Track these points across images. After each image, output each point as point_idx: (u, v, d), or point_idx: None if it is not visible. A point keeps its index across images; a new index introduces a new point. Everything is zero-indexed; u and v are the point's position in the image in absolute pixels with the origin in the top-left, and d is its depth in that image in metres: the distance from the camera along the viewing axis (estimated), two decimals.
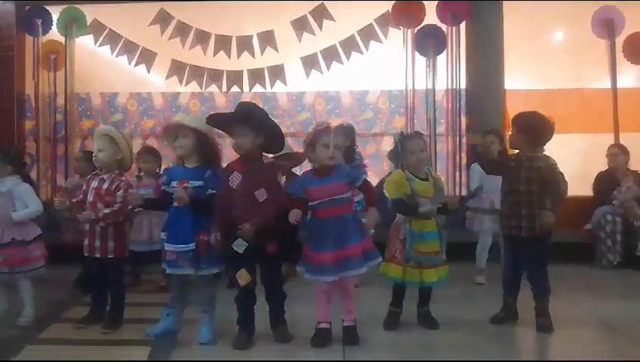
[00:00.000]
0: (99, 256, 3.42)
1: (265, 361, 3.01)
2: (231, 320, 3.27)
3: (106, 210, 3.37)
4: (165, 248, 3.20)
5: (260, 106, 3.42)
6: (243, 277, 3.12)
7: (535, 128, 3.38)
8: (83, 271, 4.50)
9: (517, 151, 3.53)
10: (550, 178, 3.35)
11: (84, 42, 6.55)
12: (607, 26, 6.21)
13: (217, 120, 3.35)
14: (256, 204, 3.08)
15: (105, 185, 3.43)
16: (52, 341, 3.33)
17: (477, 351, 3.09)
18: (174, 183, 3.21)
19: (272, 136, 3.23)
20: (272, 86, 6.48)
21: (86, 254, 3.48)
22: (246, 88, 6.50)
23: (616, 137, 6.08)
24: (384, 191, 3.42)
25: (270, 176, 3.18)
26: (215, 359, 3.01)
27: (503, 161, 3.62)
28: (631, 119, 6.18)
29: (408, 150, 3.33)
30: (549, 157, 3.42)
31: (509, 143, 3.61)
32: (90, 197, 3.44)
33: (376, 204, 3.26)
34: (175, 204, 3.20)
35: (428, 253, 3.30)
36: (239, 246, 3.10)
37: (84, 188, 3.56)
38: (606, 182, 5.54)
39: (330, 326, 3.20)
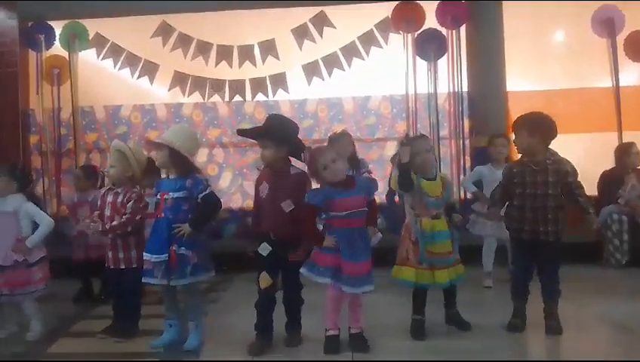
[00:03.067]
0: (123, 266, 3.48)
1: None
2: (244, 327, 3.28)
3: (115, 222, 3.44)
4: (143, 257, 3.27)
5: (288, 119, 3.52)
6: (264, 280, 3.19)
7: (549, 129, 3.34)
8: (84, 286, 4.54)
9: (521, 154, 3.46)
10: (578, 182, 3.33)
11: (87, 56, 6.62)
12: (607, 24, 6.22)
13: (244, 133, 3.59)
14: (282, 214, 3.16)
15: (119, 199, 3.52)
16: (61, 355, 3.34)
17: (488, 355, 3.07)
18: (159, 196, 3.30)
19: (295, 150, 3.31)
20: (274, 94, 6.51)
21: (111, 266, 3.52)
22: (248, 97, 6.54)
23: (620, 136, 6.06)
24: (391, 186, 3.42)
25: (297, 186, 3.21)
26: None
27: (513, 166, 3.46)
28: (634, 117, 6.17)
29: (413, 151, 3.31)
30: (568, 160, 3.39)
31: (519, 146, 3.42)
32: (107, 212, 3.52)
33: (375, 221, 3.30)
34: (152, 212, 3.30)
35: (440, 253, 3.27)
36: (264, 249, 3.19)
37: (99, 203, 3.61)
38: (611, 182, 5.51)
39: (339, 333, 3.21)
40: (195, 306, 3.36)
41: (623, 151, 5.56)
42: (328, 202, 3.11)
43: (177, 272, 3.18)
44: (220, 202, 3.34)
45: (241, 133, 3.61)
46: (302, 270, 3.16)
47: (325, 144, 3.31)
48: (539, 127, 3.34)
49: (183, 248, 3.16)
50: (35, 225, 3.61)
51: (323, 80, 6.48)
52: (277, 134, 3.25)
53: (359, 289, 3.11)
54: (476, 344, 3.25)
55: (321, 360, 3.03)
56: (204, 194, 3.22)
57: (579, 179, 3.36)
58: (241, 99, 6.57)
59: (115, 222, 3.44)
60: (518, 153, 3.46)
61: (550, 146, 3.40)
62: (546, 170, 3.32)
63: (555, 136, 3.37)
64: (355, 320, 3.22)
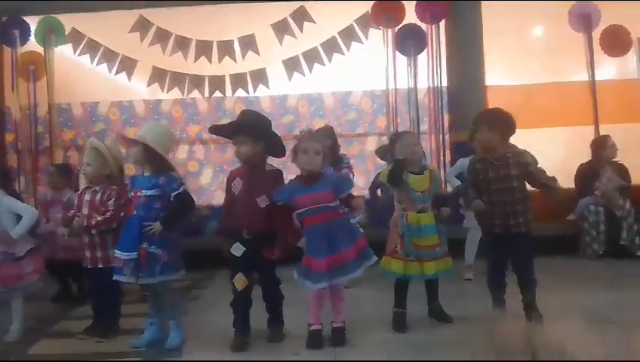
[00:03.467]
0: (101, 265, 3.44)
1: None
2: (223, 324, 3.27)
3: (99, 218, 3.41)
4: (115, 254, 3.25)
5: (262, 114, 3.51)
6: (240, 281, 3.18)
7: (509, 124, 3.42)
8: (62, 286, 4.47)
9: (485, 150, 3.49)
10: (539, 169, 3.39)
11: (63, 52, 6.50)
12: (583, 19, 6.30)
13: (217, 130, 3.49)
14: (257, 210, 3.15)
15: (98, 197, 3.48)
16: (41, 356, 3.29)
17: (469, 347, 3.10)
18: (132, 193, 3.27)
19: (272, 144, 3.30)
20: (254, 90, 6.48)
21: (89, 266, 3.48)
22: (229, 93, 6.49)
23: (597, 129, 6.17)
24: (380, 180, 3.50)
25: (272, 183, 3.22)
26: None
27: (475, 163, 3.50)
28: (610, 111, 6.28)
29: (402, 143, 3.38)
30: (527, 151, 3.47)
31: (480, 142, 3.48)
32: (85, 210, 3.48)
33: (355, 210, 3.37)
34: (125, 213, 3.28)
35: (426, 246, 3.33)
36: (237, 249, 3.17)
37: (76, 202, 3.57)
38: (588, 174, 5.61)
39: (322, 328, 3.22)
40: (173, 305, 3.34)
41: (599, 144, 5.67)
42: (291, 199, 3.14)
43: (146, 271, 3.15)
44: (193, 201, 3.33)
45: (215, 130, 3.51)
46: (296, 277, 3.15)
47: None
48: (498, 122, 3.41)
49: (153, 246, 3.13)
50: (18, 221, 3.55)
51: (304, 75, 6.46)
52: (253, 129, 3.24)
53: (315, 286, 3.10)
54: (457, 336, 3.27)
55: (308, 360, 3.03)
56: (177, 192, 3.19)
57: (539, 166, 3.42)
58: (221, 94, 6.52)
59: (99, 218, 3.39)
60: (479, 149, 3.52)
61: (528, 139, 3.46)
62: (507, 164, 3.38)
63: (514, 131, 3.43)
64: (335, 313, 3.23)
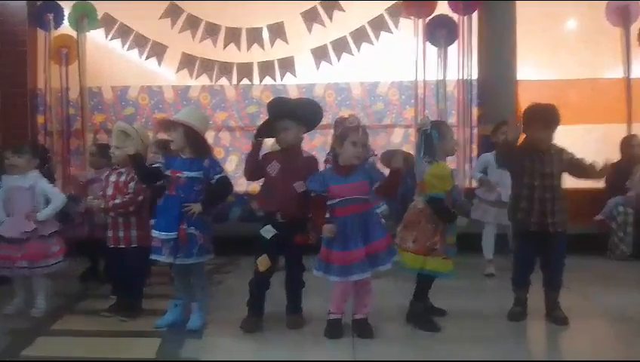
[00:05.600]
0: (123, 246, 3.52)
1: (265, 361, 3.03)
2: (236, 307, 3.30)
3: (117, 201, 3.49)
4: (152, 234, 3.28)
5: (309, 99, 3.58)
6: (264, 262, 3.20)
7: (558, 121, 3.34)
8: (92, 265, 4.57)
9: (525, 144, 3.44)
10: (579, 161, 3.34)
11: (96, 36, 6.60)
12: (622, 13, 6.12)
13: (263, 126, 3.38)
14: (293, 195, 3.17)
15: (122, 178, 3.56)
16: (64, 332, 3.37)
17: (491, 343, 3.07)
18: (168, 172, 3.27)
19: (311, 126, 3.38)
20: (282, 78, 6.47)
21: (111, 245, 3.57)
22: (256, 80, 6.51)
23: (629, 127, 6.00)
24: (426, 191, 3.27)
25: (309, 169, 3.23)
26: (226, 347, 3.04)
27: (522, 155, 3.39)
28: None
29: (448, 135, 3.28)
30: (565, 149, 3.40)
31: (532, 138, 3.35)
32: (109, 191, 3.57)
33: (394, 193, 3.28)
34: (166, 192, 3.29)
35: (451, 244, 3.29)
36: (267, 232, 3.20)
37: (103, 183, 3.65)
38: (617, 173, 5.46)
39: (342, 317, 3.21)
40: (201, 287, 3.38)
41: (626, 143, 5.54)
42: (325, 188, 3.11)
43: (185, 251, 3.19)
44: (232, 186, 3.36)
45: (260, 128, 3.36)
46: (331, 278, 3.10)
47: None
48: (554, 119, 3.33)
49: (192, 227, 3.17)
50: (48, 203, 3.68)
51: (331, 64, 6.43)
52: (303, 116, 3.27)
53: (345, 279, 3.08)
54: (477, 332, 3.25)
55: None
56: (220, 176, 3.24)
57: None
58: (248, 82, 6.54)
59: (117, 201, 3.48)
60: (527, 143, 3.42)
61: (559, 136, 3.40)
62: (552, 160, 3.32)
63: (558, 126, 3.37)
64: (361, 306, 3.21)
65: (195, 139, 3.25)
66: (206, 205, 3.20)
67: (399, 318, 3.39)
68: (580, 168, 3.34)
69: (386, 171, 3.40)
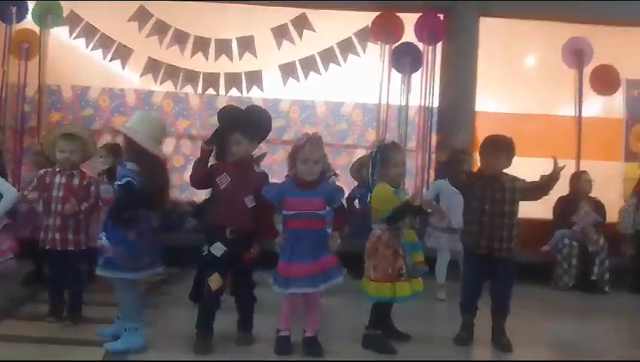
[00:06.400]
0: (72, 248, 3.46)
1: None
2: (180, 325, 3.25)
3: (86, 204, 3.48)
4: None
5: (264, 112, 3.48)
6: (215, 281, 3.13)
7: (511, 150, 3.49)
8: (36, 268, 4.41)
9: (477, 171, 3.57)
10: (532, 184, 3.46)
11: (59, 33, 6.44)
12: (576, 56, 6.43)
13: (215, 134, 3.30)
14: (244, 210, 3.13)
15: (76, 181, 3.49)
16: (5, 337, 3.24)
17: None
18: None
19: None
20: (248, 91, 6.48)
21: (58, 248, 3.46)
22: (222, 91, 6.49)
23: (578, 163, 6.28)
24: (370, 205, 3.36)
25: (259, 184, 3.19)
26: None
27: (475, 181, 3.55)
28: (592, 147, 6.40)
29: (391, 162, 3.30)
30: (515, 176, 3.53)
31: (484, 165, 3.51)
32: (59, 193, 3.46)
33: (341, 228, 3.31)
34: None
35: (419, 262, 3.34)
36: (217, 249, 3.12)
37: (37, 184, 3.52)
38: (565, 207, 5.71)
39: (290, 334, 3.21)
40: (125, 305, 3.14)
41: (575, 178, 5.79)
42: (281, 199, 3.12)
43: (99, 261, 3.07)
44: (134, 192, 3.00)
45: (213, 135, 3.30)
46: (277, 289, 3.10)
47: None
48: (509, 148, 3.49)
49: (104, 238, 3.05)
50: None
51: (298, 81, 6.50)
52: (251, 129, 3.23)
53: (290, 290, 3.09)
54: (424, 355, 3.31)
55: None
56: (121, 182, 3.03)
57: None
58: (214, 92, 6.52)
59: (86, 204, 3.46)
60: (484, 171, 3.54)
61: (509, 168, 3.53)
62: (504, 188, 3.44)
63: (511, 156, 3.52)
64: (310, 323, 3.23)
65: (130, 147, 3.10)
66: (114, 213, 3.05)
67: (352, 338, 3.41)
68: (534, 188, 3.47)
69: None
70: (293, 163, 3.16)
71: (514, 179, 3.50)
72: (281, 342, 3.18)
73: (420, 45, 6.37)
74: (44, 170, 3.60)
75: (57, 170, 3.53)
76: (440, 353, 3.37)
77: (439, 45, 6.39)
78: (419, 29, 6.31)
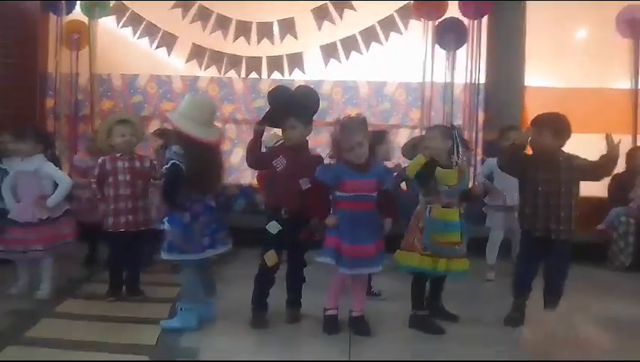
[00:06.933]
0: (144, 228, 3.71)
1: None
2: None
3: (154, 181, 3.73)
4: None
5: (314, 94, 3.48)
6: (271, 258, 3.22)
7: (569, 132, 3.37)
8: (92, 250, 4.62)
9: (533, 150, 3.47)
10: (591, 163, 3.35)
11: (107, 23, 6.62)
12: (631, 25, 6.12)
13: (267, 117, 3.34)
14: (299, 191, 3.19)
15: (137, 163, 3.72)
16: (66, 315, 3.42)
17: (488, 347, 3.10)
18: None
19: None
20: (290, 73, 6.50)
21: (132, 230, 3.67)
22: (264, 75, 6.54)
23: (634, 139, 6.02)
24: (406, 173, 3.47)
25: (314, 167, 3.22)
26: (229, 339, 3.08)
27: (527, 161, 3.43)
28: None
29: (432, 137, 3.38)
30: (574, 154, 3.41)
31: (535, 144, 3.40)
32: (125, 177, 3.66)
33: (395, 214, 3.31)
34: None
35: (448, 243, 3.26)
36: (273, 227, 3.22)
37: (99, 170, 3.69)
38: (621, 184, 5.49)
39: (338, 314, 3.25)
40: (183, 287, 3.29)
41: (631, 155, 5.55)
42: (337, 181, 3.13)
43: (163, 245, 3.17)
44: (179, 170, 3.04)
45: (264, 118, 3.35)
46: (342, 270, 3.12)
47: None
48: (562, 127, 3.36)
49: (165, 223, 3.15)
50: (56, 185, 3.74)
51: (340, 62, 6.46)
52: (306, 114, 3.30)
53: (355, 271, 3.13)
54: (474, 335, 3.28)
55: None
56: (166, 166, 3.10)
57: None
58: (256, 76, 6.57)
59: (152, 183, 3.71)
60: (534, 150, 3.44)
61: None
62: (559, 168, 3.33)
63: (569, 136, 3.40)
64: (357, 302, 3.25)
65: (176, 131, 3.17)
66: (164, 196, 3.15)
67: (400, 319, 3.41)
68: (593, 167, 3.34)
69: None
70: (339, 153, 3.15)
71: (570, 157, 3.38)
72: (330, 321, 3.22)
73: (465, 20, 6.21)
74: (102, 158, 3.73)
75: (117, 155, 3.69)
76: (489, 334, 3.33)
77: (485, 19, 6.21)
78: (463, 3, 6.14)
